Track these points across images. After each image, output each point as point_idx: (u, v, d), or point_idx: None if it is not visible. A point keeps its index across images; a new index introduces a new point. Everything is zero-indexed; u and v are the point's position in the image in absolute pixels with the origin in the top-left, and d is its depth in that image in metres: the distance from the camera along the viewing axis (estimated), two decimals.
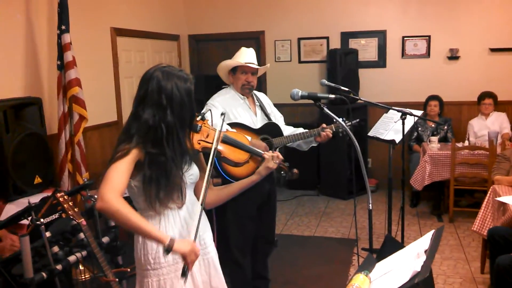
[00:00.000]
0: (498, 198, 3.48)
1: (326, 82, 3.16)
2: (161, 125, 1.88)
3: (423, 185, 5.17)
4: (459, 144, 5.15)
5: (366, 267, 1.75)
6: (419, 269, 1.45)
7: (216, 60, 3.82)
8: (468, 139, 5.46)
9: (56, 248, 2.83)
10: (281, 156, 2.41)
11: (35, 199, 3.03)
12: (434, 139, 5.34)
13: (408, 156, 5.82)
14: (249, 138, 2.73)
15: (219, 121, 2.27)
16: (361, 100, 3.47)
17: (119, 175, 1.80)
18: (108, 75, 5.12)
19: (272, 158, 2.36)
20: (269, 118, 3.27)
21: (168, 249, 1.80)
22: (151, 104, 1.89)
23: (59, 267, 2.71)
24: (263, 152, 2.42)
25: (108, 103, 5.13)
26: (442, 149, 5.23)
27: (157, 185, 1.89)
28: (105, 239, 3.22)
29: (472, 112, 6.08)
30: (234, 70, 3.18)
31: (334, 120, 2.66)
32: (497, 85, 5.87)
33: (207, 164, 2.07)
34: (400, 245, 2.09)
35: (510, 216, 3.26)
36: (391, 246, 2.02)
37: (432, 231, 1.72)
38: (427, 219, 5.35)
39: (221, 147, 2.27)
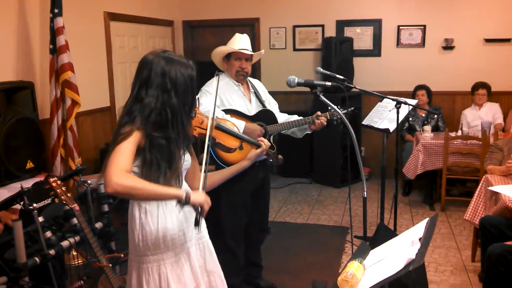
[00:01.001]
0: (490, 188, 3.50)
1: (322, 70, 3.14)
2: (166, 108, 1.86)
3: (415, 174, 5.19)
4: (452, 134, 5.17)
5: (360, 254, 1.76)
6: (413, 257, 1.46)
7: (210, 46, 3.78)
8: (461, 129, 5.49)
9: (49, 233, 2.82)
10: (266, 141, 2.67)
11: (27, 184, 3.00)
12: (428, 128, 5.35)
13: (401, 145, 5.84)
14: (244, 122, 2.76)
15: (211, 109, 2.29)
16: (356, 88, 3.46)
17: (124, 155, 1.77)
18: (101, 60, 5.07)
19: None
20: (263, 105, 3.25)
21: (186, 202, 1.82)
22: (155, 87, 1.87)
23: (52, 252, 2.70)
24: (252, 139, 2.59)
25: (101, 89, 5.08)
26: (435, 138, 5.25)
27: (158, 169, 1.87)
28: (98, 225, 3.21)
29: (465, 102, 6.10)
30: (228, 56, 3.16)
31: (330, 107, 2.65)
32: (491, 76, 5.89)
33: (198, 151, 2.08)
34: (393, 233, 2.10)
35: (502, 206, 3.28)
36: (384, 234, 2.04)
37: (427, 219, 1.73)
38: (419, 207, 5.38)
39: (215, 133, 2.30)
